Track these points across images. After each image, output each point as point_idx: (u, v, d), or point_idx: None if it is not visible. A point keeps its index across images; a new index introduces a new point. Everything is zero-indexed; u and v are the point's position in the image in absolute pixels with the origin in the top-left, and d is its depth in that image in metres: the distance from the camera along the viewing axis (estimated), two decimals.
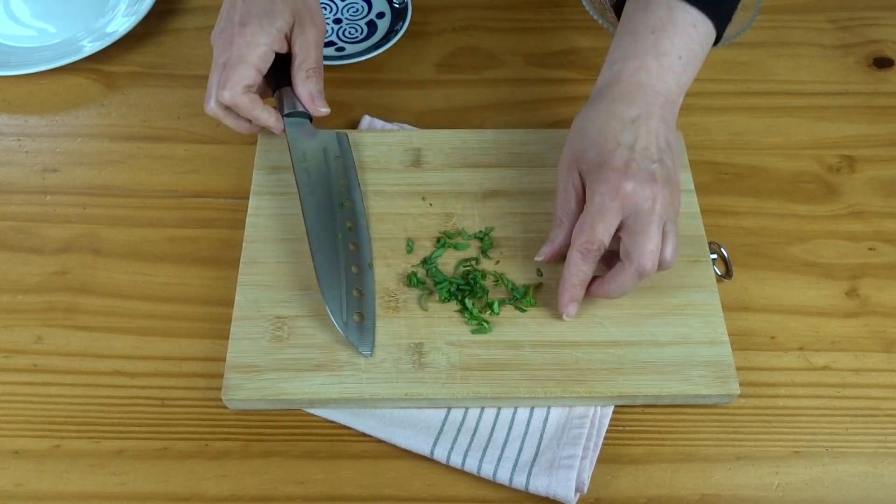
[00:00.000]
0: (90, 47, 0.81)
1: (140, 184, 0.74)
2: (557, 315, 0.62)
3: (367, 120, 0.77)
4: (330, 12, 0.86)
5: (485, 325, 0.62)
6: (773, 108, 0.80)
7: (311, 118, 0.70)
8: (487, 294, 0.64)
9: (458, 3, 0.89)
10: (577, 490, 0.57)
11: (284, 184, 0.70)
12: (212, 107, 0.67)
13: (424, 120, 0.78)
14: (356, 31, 0.84)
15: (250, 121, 0.68)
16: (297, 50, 0.68)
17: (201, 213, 0.72)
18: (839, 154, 0.77)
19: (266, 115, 0.67)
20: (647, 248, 0.57)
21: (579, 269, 0.59)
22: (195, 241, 0.70)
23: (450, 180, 0.71)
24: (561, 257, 0.61)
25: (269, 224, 0.68)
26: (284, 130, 0.69)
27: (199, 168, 0.75)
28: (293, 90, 0.69)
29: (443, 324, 0.62)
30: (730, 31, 0.84)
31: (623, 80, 0.60)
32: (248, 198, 0.69)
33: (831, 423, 0.61)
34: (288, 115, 0.69)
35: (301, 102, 0.69)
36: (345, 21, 0.85)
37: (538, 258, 0.62)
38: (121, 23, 0.84)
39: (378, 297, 0.64)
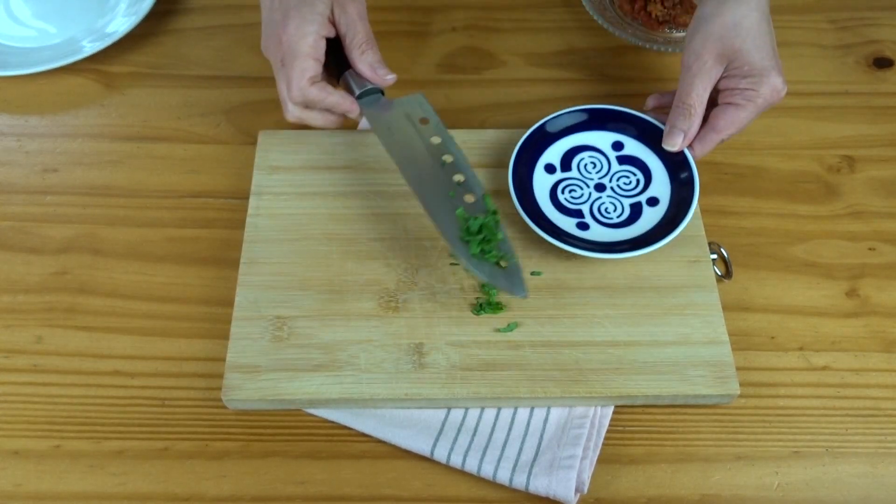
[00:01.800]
0: (90, 47, 0.81)
1: (140, 184, 0.74)
2: (557, 315, 0.62)
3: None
4: (595, 170, 0.71)
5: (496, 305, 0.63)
6: (773, 108, 0.79)
7: (382, 91, 0.68)
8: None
9: (458, 3, 0.89)
10: (577, 490, 0.57)
11: (284, 184, 0.70)
12: (291, 112, 0.66)
13: None
14: (614, 207, 0.68)
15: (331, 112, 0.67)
16: (343, 30, 0.66)
17: (201, 213, 0.72)
18: (839, 154, 0.77)
19: (341, 100, 0.66)
20: (744, 123, 0.66)
21: (713, 145, 0.66)
22: (195, 241, 0.70)
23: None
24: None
25: (269, 224, 0.68)
26: (361, 113, 0.68)
27: (199, 168, 0.75)
28: (354, 70, 0.67)
29: (443, 324, 0.63)
30: None
31: None
32: (248, 198, 0.69)
33: (831, 423, 0.61)
34: (360, 97, 0.67)
35: (366, 78, 0.67)
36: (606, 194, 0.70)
37: (672, 148, 0.67)
38: (121, 23, 0.84)
39: (378, 297, 0.64)
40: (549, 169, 0.70)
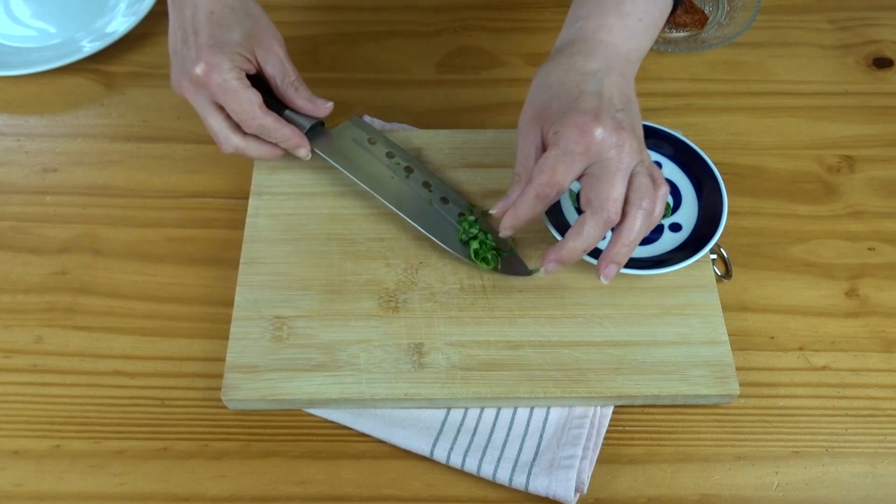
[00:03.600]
0: (90, 47, 0.81)
1: (140, 184, 0.74)
2: (557, 315, 0.62)
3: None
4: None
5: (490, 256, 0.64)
6: (773, 108, 0.80)
7: (322, 123, 0.68)
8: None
9: (458, 3, 0.89)
10: (576, 490, 0.57)
11: (284, 184, 0.70)
12: (234, 144, 0.64)
13: (424, 120, 0.78)
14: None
15: (274, 144, 0.65)
16: (272, 71, 0.64)
17: (201, 213, 0.72)
18: (839, 154, 0.77)
19: (292, 134, 0.64)
20: (612, 196, 0.55)
21: (531, 208, 0.58)
22: (195, 241, 0.70)
23: (450, 180, 0.71)
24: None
25: (269, 224, 0.68)
26: (313, 150, 0.67)
27: (199, 168, 0.75)
28: (292, 107, 0.66)
29: (443, 324, 0.63)
30: (730, 31, 0.85)
31: (584, 38, 0.60)
32: (248, 198, 0.69)
33: (831, 423, 0.61)
34: (307, 133, 0.66)
35: (304, 113, 0.66)
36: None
37: (492, 211, 0.61)
38: (121, 23, 0.84)
39: (378, 297, 0.64)
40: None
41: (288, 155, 0.67)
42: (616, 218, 0.56)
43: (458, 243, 0.65)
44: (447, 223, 0.65)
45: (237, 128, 0.63)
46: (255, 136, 0.64)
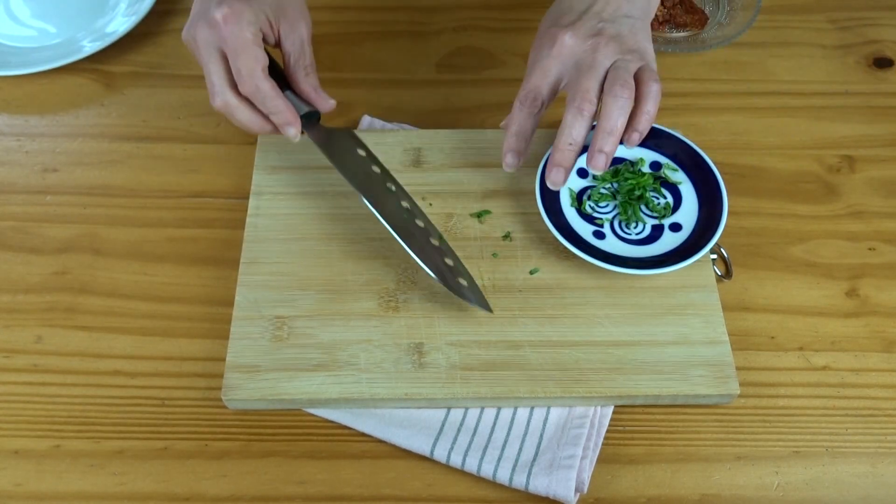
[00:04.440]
0: (90, 47, 0.81)
1: (140, 184, 0.74)
2: (557, 315, 0.62)
3: (366, 120, 0.77)
4: None
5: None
6: (773, 108, 0.80)
7: (318, 116, 0.67)
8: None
9: (458, 3, 0.89)
10: (577, 490, 0.57)
11: (284, 184, 0.70)
12: (225, 99, 0.62)
13: (424, 120, 0.78)
14: (636, 225, 0.67)
15: (264, 115, 0.63)
16: (289, 47, 0.64)
17: (201, 213, 0.72)
18: (839, 154, 0.77)
19: (286, 109, 0.62)
20: (581, 87, 0.59)
21: (516, 118, 0.62)
22: (195, 241, 0.70)
23: (450, 180, 0.71)
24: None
25: (269, 224, 0.68)
26: (303, 132, 0.65)
27: (199, 168, 0.75)
28: (293, 89, 0.65)
29: (443, 324, 0.63)
30: (730, 31, 0.85)
31: None
32: (248, 198, 0.69)
33: (831, 423, 0.61)
34: (302, 118, 0.65)
35: (307, 100, 0.65)
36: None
37: (501, 124, 0.66)
38: (121, 23, 0.84)
39: (378, 297, 0.64)
40: (581, 173, 0.69)
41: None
42: (588, 106, 0.59)
43: (429, 253, 0.62)
44: (418, 240, 0.63)
45: (234, 85, 0.62)
46: (248, 101, 0.62)
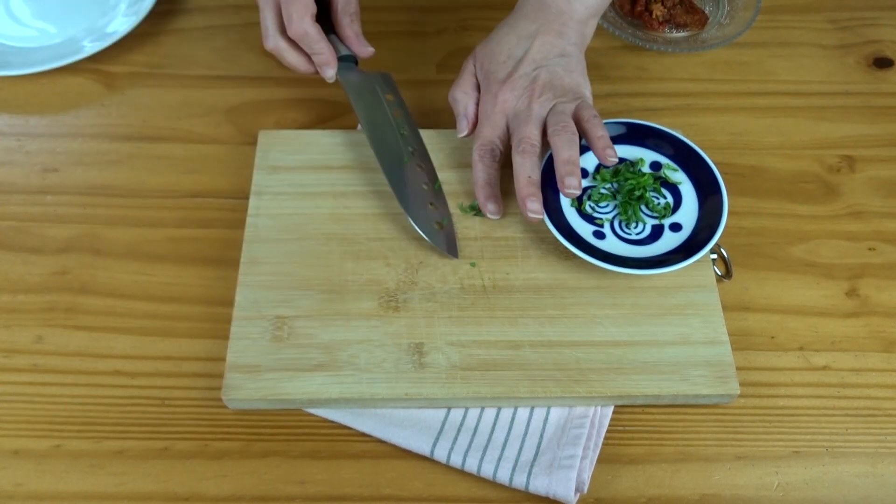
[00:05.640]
0: (90, 47, 0.81)
1: (140, 184, 0.74)
2: (557, 315, 0.63)
3: None
4: None
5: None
6: (773, 108, 0.80)
7: (356, 61, 0.74)
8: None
9: (458, 3, 0.89)
10: (577, 490, 0.57)
11: (284, 184, 0.70)
12: (275, 42, 0.70)
13: (424, 120, 0.78)
14: (636, 225, 0.67)
15: (307, 57, 0.71)
16: None
17: (201, 213, 0.72)
18: (839, 154, 0.77)
19: (327, 50, 0.70)
20: (523, 134, 0.65)
21: (481, 171, 0.67)
22: (195, 241, 0.70)
23: (450, 180, 0.71)
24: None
25: (269, 224, 0.68)
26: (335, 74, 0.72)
27: (199, 168, 0.75)
28: (337, 34, 0.73)
29: (443, 324, 0.63)
30: (730, 31, 0.85)
31: (531, 1, 0.69)
32: (248, 198, 0.69)
33: (831, 423, 0.61)
34: (338, 60, 0.72)
35: (347, 45, 0.73)
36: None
37: (459, 135, 0.70)
38: (121, 23, 0.84)
39: (378, 297, 0.64)
40: (582, 173, 0.69)
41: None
42: (530, 148, 0.64)
43: (419, 212, 0.66)
44: (407, 181, 0.68)
45: (283, 29, 0.70)
46: (295, 45, 0.71)
